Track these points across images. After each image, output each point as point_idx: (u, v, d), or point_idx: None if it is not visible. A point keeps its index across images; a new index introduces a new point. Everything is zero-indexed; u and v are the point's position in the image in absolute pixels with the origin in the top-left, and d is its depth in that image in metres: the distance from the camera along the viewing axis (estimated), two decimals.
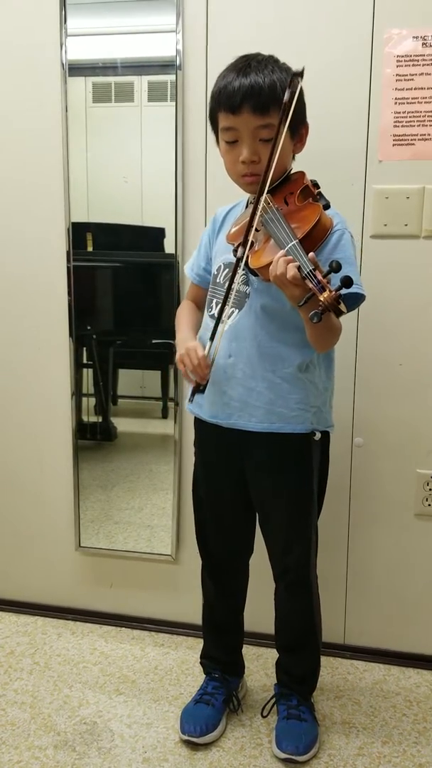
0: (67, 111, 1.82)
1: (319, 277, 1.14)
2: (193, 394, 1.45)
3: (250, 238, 1.33)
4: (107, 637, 2.00)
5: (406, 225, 1.69)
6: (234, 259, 1.37)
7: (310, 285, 1.14)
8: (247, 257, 1.33)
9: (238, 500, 1.56)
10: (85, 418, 2.05)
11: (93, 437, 2.08)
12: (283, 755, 1.50)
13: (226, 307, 1.38)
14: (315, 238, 1.25)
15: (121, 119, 1.89)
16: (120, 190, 1.90)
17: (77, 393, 1.99)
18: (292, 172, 1.41)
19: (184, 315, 1.59)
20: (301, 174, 1.38)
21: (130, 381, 2.16)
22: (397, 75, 1.63)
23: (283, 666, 1.62)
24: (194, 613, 1.73)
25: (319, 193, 1.32)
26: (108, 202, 1.91)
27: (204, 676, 1.70)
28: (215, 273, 1.50)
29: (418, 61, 1.62)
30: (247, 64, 1.34)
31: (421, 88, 1.63)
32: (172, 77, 1.74)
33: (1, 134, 1.90)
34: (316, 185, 1.33)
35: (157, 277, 1.91)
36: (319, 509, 1.56)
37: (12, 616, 2.11)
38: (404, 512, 1.82)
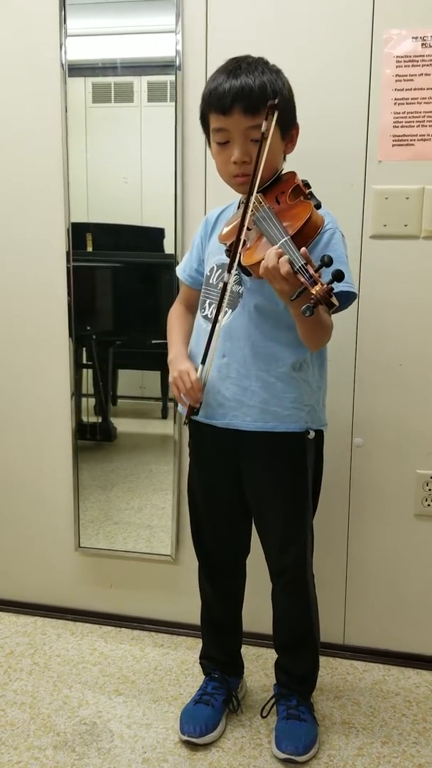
0: (66, 111, 1.83)
1: (311, 271, 1.15)
2: (187, 417, 1.48)
3: (242, 237, 1.33)
4: (107, 638, 2.00)
5: (405, 225, 1.69)
6: (226, 260, 1.38)
7: (302, 279, 1.15)
8: (240, 255, 1.34)
9: (234, 500, 1.56)
10: (84, 419, 2.05)
11: (93, 437, 2.08)
12: (283, 755, 1.50)
13: (220, 316, 1.39)
14: (306, 235, 1.26)
15: (120, 120, 1.89)
16: (120, 190, 1.90)
17: (77, 393, 1.99)
18: (283, 172, 1.41)
19: (175, 325, 1.60)
20: (292, 174, 1.38)
21: (130, 381, 2.16)
22: (396, 75, 1.63)
23: (282, 666, 1.63)
24: (194, 614, 1.73)
25: (310, 193, 1.33)
26: (108, 202, 1.91)
27: (203, 676, 1.70)
28: (208, 274, 1.50)
29: (417, 61, 1.62)
30: (237, 66, 1.35)
31: (421, 89, 1.63)
32: (172, 77, 1.74)
33: (1, 134, 1.90)
34: (307, 185, 1.34)
35: (156, 278, 1.91)
36: (314, 508, 1.57)
37: (11, 616, 2.11)
38: (404, 512, 1.82)
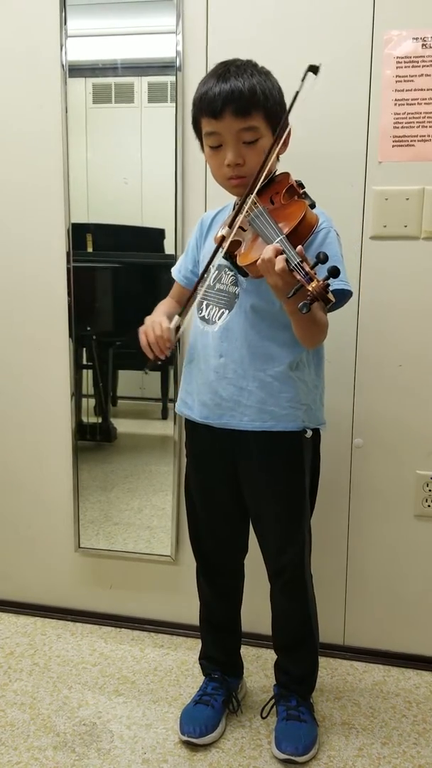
0: (67, 112, 1.83)
1: (307, 268, 1.16)
2: (149, 368, 1.46)
3: (235, 228, 1.34)
4: (107, 638, 1.99)
5: (405, 226, 1.69)
6: (222, 261, 1.39)
7: (298, 276, 1.16)
8: (236, 257, 1.35)
9: (231, 500, 1.56)
10: (84, 419, 2.05)
11: (93, 438, 2.08)
12: (283, 756, 1.50)
13: (204, 279, 1.40)
14: (301, 234, 1.27)
15: (121, 120, 1.89)
16: (120, 191, 1.90)
17: (77, 394, 1.99)
18: (277, 173, 1.41)
19: (161, 304, 1.61)
20: (286, 174, 1.39)
21: (130, 382, 2.16)
22: (397, 76, 1.64)
23: (282, 666, 1.63)
24: (194, 614, 1.73)
25: (304, 193, 1.34)
26: (108, 203, 1.92)
27: (203, 677, 1.70)
28: (205, 276, 1.50)
29: (417, 62, 1.62)
30: (226, 69, 1.36)
31: (421, 90, 1.63)
32: (172, 78, 1.74)
33: (1, 135, 1.90)
34: (300, 185, 1.35)
35: (156, 278, 1.92)
36: (311, 508, 1.57)
37: (11, 616, 2.11)
38: (404, 513, 1.82)
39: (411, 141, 1.65)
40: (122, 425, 2.11)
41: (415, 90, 1.63)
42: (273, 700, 1.64)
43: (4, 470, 2.08)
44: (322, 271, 1.15)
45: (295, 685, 1.60)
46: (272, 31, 1.68)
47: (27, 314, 1.98)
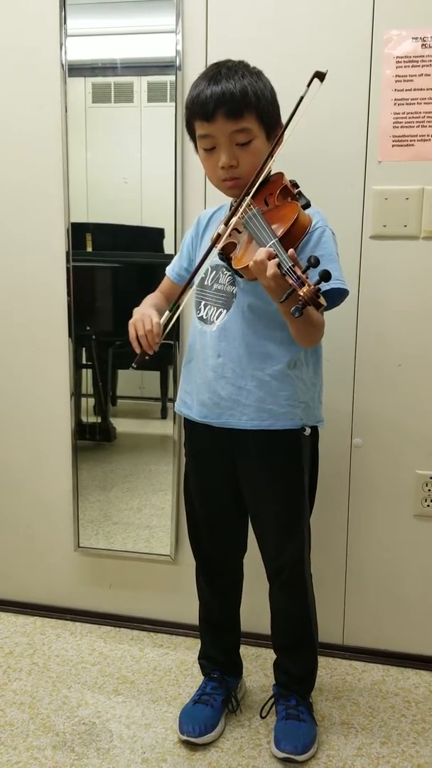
0: (66, 111, 1.83)
1: (299, 272, 1.16)
2: (136, 363, 1.45)
3: (229, 229, 1.35)
4: (106, 638, 1.99)
5: (405, 226, 1.69)
6: (220, 262, 1.40)
7: (290, 281, 1.16)
8: (231, 259, 1.35)
9: (230, 499, 1.57)
10: (84, 419, 2.05)
11: (92, 438, 2.08)
12: (282, 755, 1.50)
13: (194, 279, 1.40)
14: (294, 236, 1.27)
15: (120, 120, 1.89)
16: (119, 190, 1.90)
17: (76, 393, 1.99)
18: (271, 173, 1.41)
19: (149, 297, 1.60)
20: (280, 175, 1.39)
21: (129, 381, 2.16)
22: (396, 76, 1.64)
23: (281, 666, 1.63)
24: (193, 614, 1.73)
25: (299, 193, 1.33)
26: (107, 202, 1.92)
27: (203, 676, 1.70)
28: (203, 276, 1.51)
29: (417, 62, 1.62)
30: (217, 71, 1.36)
31: (421, 89, 1.63)
32: (172, 78, 1.74)
33: (1, 134, 1.90)
34: (295, 185, 1.35)
35: (156, 278, 1.91)
36: (311, 506, 1.57)
37: (11, 616, 2.11)
38: (403, 513, 1.82)
39: (411, 141, 1.65)
40: (122, 425, 2.11)
41: (414, 90, 1.63)
42: (272, 699, 1.64)
43: (4, 470, 2.08)
44: (313, 274, 1.16)
45: (295, 685, 1.60)
46: (272, 30, 1.68)
47: (27, 314, 1.98)
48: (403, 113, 1.64)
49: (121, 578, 2.05)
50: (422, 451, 1.79)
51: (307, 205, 1.31)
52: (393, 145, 1.66)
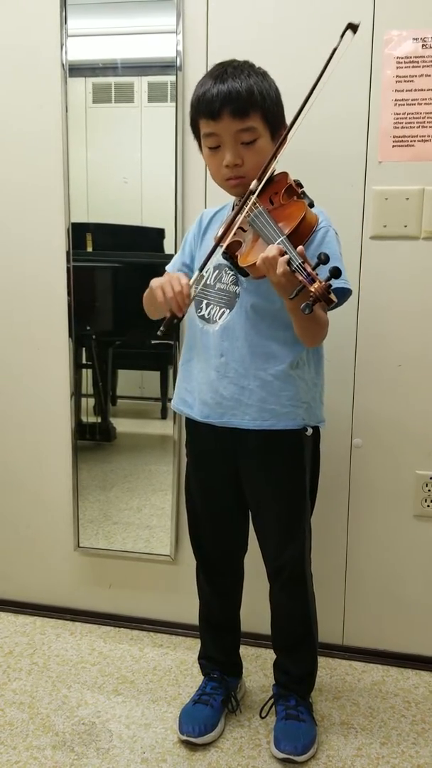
0: (67, 111, 1.83)
1: (309, 269, 1.16)
2: (165, 327, 1.36)
3: (235, 227, 1.35)
4: (106, 638, 1.99)
5: (405, 226, 1.69)
6: (223, 261, 1.39)
7: (300, 277, 1.16)
8: (236, 257, 1.35)
9: (232, 499, 1.57)
10: (84, 419, 2.05)
11: (92, 438, 2.08)
12: (282, 755, 1.50)
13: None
14: (302, 234, 1.27)
15: (121, 120, 1.89)
16: (120, 190, 1.90)
17: (76, 393, 1.99)
18: (275, 173, 1.42)
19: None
20: (284, 174, 1.39)
21: (130, 381, 2.16)
22: (397, 76, 1.64)
23: (281, 666, 1.63)
24: (193, 614, 1.73)
25: (303, 192, 1.34)
26: (108, 202, 1.92)
27: (202, 676, 1.70)
28: (204, 275, 1.50)
29: (418, 62, 1.62)
30: (223, 70, 1.37)
31: (421, 90, 1.63)
32: (172, 78, 1.74)
33: (1, 134, 1.90)
34: (299, 185, 1.36)
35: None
36: (312, 506, 1.57)
37: (11, 616, 2.11)
38: (403, 513, 1.82)
39: (411, 141, 1.65)
40: (122, 425, 2.11)
41: (415, 90, 1.63)
42: (272, 699, 1.64)
43: (4, 470, 2.08)
44: (323, 271, 1.16)
45: (295, 685, 1.60)
46: (273, 30, 1.68)
47: (27, 314, 1.98)
48: (404, 114, 1.64)
49: (121, 578, 2.05)
50: (422, 452, 1.79)
51: (311, 205, 1.32)
52: (393, 146, 1.66)
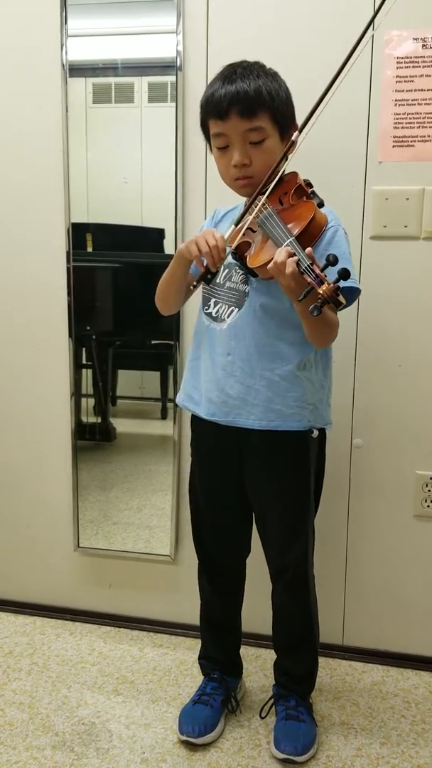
0: (67, 112, 1.83)
1: (317, 271, 1.16)
2: (198, 282, 1.39)
3: (244, 228, 1.35)
4: (106, 638, 1.99)
5: (405, 226, 1.69)
6: (232, 261, 1.39)
7: (309, 279, 1.16)
8: (245, 258, 1.35)
9: (236, 499, 1.57)
10: (84, 419, 2.05)
11: (92, 438, 2.08)
12: (282, 755, 1.50)
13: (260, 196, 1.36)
14: (311, 235, 1.27)
15: (121, 120, 1.89)
16: (120, 190, 1.90)
17: (76, 393, 1.99)
18: (285, 173, 1.42)
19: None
20: (294, 174, 1.39)
21: (130, 382, 2.16)
22: (397, 77, 1.64)
23: (282, 666, 1.62)
24: (193, 614, 1.73)
25: (312, 192, 1.34)
26: (108, 202, 1.92)
27: (202, 676, 1.70)
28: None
29: (418, 62, 1.62)
30: (232, 71, 1.38)
31: (421, 90, 1.63)
32: (173, 78, 1.74)
33: (2, 134, 1.90)
34: (309, 184, 1.36)
35: (156, 278, 1.91)
36: (316, 507, 1.57)
37: (10, 616, 2.11)
38: (403, 513, 1.82)
39: (411, 141, 1.65)
40: (122, 425, 2.11)
41: (415, 90, 1.63)
42: (272, 699, 1.64)
43: (4, 470, 2.08)
44: (332, 273, 1.16)
45: (295, 686, 1.60)
46: (273, 30, 1.68)
47: (27, 314, 1.98)
48: (404, 114, 1.64)
49: (121, 578, 2.05)
50: (422, 452, 1.79)
51: (320, 205, 1.32)
52: (393, 146, 1.67)
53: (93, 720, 1.64)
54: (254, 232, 1.36)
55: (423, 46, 1.61)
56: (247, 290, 1.43)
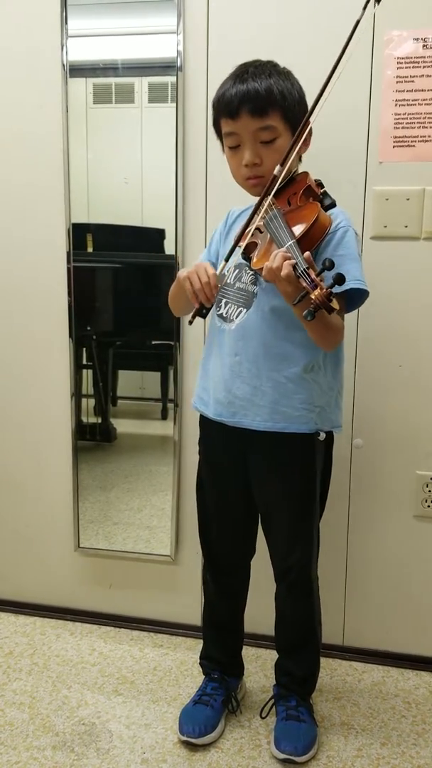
0: (67, 112, 1.83)
1: (312, 275, 1.15)
2: (194, 317, 1.40)
3: (252, 228, 1.34)
4: (106, 638, 1.99)
5: (406, 226, 1.69)
6: (243, 261, 1.39)
7: (304, 284, 1.15)
8: (251, 258, 1.34)
9: (242, 500, 1.56)
10: (84, 419, 2.05)
11: (92, 438, 2.08)
12: (282, 756, 1.50)
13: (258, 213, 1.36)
14: (313, 237, 1.27)
15: (121, 120, 1.89)
16: (120, 191, 1.90)
17: (77, 394, 1.99)
18: (297, 172, 1.41)
19: None
20: (305, 174, 1.39)
21: (130, 382, 2.16)
22: (397, 77, 1.64)
23: (283, 667, 1.62)
24: (193, 614, 1.73)
25: (324, 193, 1.33)
26: (108, 203, 1.92)
27: (203, 677, 1.70)
28: (225, 273, 1.50)
29: (418, 62, 1.62)
30: (244, 70, 1.38)
31: (422, 90, 1.63)
32: (173, 78, 1.74)
33: (2, 135, 1.90)
34: (320, 185, 1.35)
35: (157, 278, 1.92)
36: (321, 510, 1.57)
37: (11, 616, 2.11)
38: (403, 514, 1.82)
39: (411, 141, 1.65)
40: (122, 425, 2.11)
41: (415, 90, 1.63)
42: (272, 700, 1.64)
43: (4, 470, 2.08)
44: (328, 278, 1.15)
45: (296, 686, 1.60)
46: (273, 31, 1.68)
47: (27, 314, 1.98)
48: (404, 114, 1.65)
49: (121, 578, 2.05)
50: (422, 452, 1.79)
51: (332, 205, 1.31)
52: (394, 146, 1.67)
53: (93, 720, 1.64)
54: (262, 233, 1.35)
55: (423, 46, 1.61)
56: (255, 291, 1.43)
